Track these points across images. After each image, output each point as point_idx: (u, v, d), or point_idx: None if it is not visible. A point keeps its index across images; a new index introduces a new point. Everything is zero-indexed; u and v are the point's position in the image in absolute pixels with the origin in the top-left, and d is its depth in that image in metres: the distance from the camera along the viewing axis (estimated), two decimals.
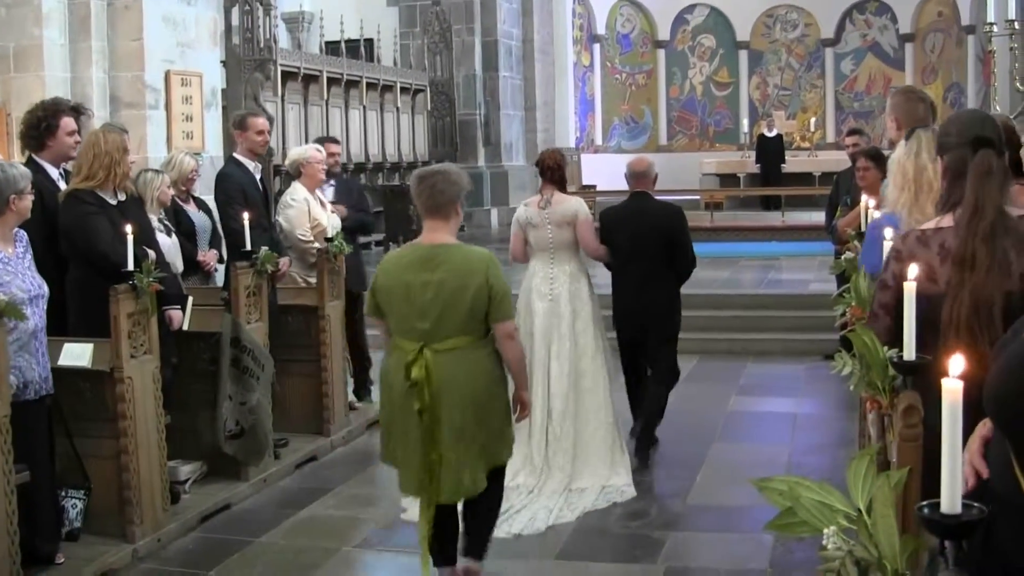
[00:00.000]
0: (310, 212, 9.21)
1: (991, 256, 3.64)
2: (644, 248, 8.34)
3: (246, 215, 8.04)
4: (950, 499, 1.82)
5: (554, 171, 8.17)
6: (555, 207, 8.07)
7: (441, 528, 5.75)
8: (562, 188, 8.25)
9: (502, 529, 6.63)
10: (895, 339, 3.50)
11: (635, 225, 8.39)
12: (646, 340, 8.48)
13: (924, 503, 1.87)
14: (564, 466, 7.77)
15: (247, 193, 8.59)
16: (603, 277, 8.79)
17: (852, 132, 11.97)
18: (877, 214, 5.65)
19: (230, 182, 8.66)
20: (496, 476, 5.79)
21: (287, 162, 9.57)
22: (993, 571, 2.41)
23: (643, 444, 8.39)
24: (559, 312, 8.00)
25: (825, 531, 2.05)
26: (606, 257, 8.47)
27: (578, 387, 7.96)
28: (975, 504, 1.84)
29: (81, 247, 6.80)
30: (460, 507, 5.83)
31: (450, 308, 5.48)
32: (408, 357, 5.45)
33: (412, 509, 6.70)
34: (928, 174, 4.49)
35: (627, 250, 8.38)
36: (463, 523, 5.87)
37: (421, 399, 5.42)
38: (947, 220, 3.82)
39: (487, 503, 5.82)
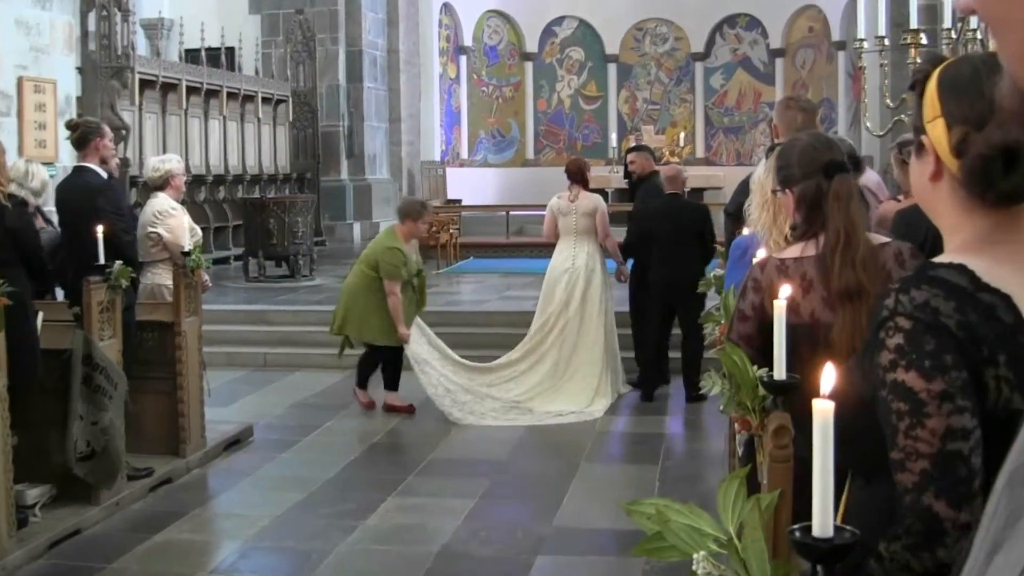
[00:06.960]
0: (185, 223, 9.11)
1: (872, 282, 3.57)
2: (676, 235, 10.53)
3: (100, 228, 7.70)
4: (822, 522, 1.75)
5: (575, 174, 10.89)
6: (581, 201, 10.80)
7: (365, 366, 10.49)
8: (585, 187, 10.91)
9: (485, 419, 10.06)
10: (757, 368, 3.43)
11: (672, 218, 10.72)
12: (676, 303, 10.61)
13: (796, 526, 1.80)
14: (550, 396, 10.51)
15: None
16: None
17: (633, 149, 12.36)
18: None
19: (116, 193, 8.42)
20: (395, 350, 10.23)
21: (150, 172, 9.27)
22: None
23: (690, 383, 10.34)
24: (575, 282, 10.67)
25: (695, 556, 1.98)
26: (613, 244, 11.01)
27: (579, 341, 10.66)
28: (847, 528, 1.77)
29: None
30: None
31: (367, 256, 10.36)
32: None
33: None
34: None
35: (663, 236, 10.58)
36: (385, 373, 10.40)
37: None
38: (809, 248, 3.72)
39: (394, 365, 10.32)
